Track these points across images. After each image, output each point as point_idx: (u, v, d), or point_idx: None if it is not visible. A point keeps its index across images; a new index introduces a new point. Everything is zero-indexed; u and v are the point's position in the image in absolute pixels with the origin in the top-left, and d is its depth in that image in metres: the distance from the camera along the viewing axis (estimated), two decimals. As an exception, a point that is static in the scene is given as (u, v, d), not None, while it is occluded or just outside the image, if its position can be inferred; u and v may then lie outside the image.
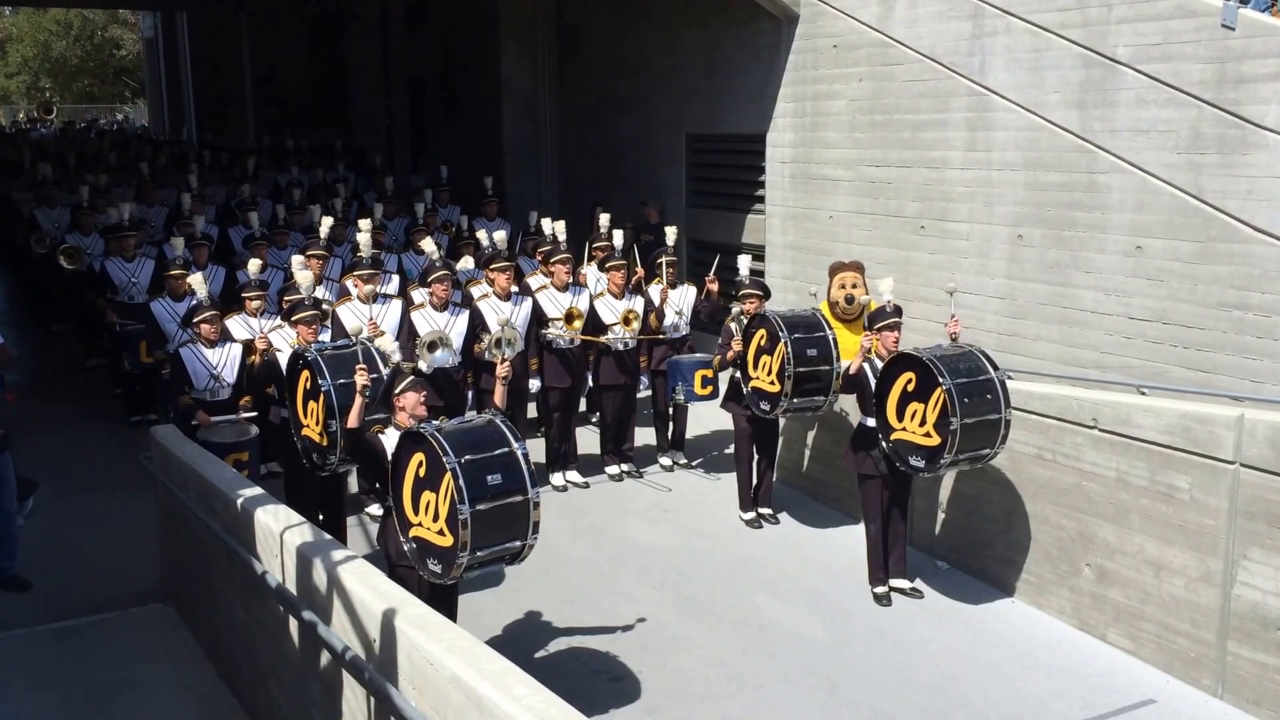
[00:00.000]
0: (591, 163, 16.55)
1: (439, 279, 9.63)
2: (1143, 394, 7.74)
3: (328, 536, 6.34)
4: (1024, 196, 9.57)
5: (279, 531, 6.24)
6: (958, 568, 8.61)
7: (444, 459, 5.73)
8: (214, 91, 27.90)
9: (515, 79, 17.40)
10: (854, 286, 10.54)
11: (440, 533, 5.84)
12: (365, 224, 11.47)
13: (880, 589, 8.15)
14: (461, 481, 5.66)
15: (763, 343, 8.83)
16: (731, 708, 6.78)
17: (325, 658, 5.67)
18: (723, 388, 9.83)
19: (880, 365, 7.97)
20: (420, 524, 5.99)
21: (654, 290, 10.57)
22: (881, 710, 6.76)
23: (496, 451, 5.93)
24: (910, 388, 7.61)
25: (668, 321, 10.55)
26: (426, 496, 5.92)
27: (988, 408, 7.39)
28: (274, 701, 6.53)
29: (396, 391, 6.52)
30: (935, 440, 7.44)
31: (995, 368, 7.56)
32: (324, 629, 5.60)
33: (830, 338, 8.64)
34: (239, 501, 6.75)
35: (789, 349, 8.44)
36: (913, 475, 7.95)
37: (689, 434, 11.09)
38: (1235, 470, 6.77)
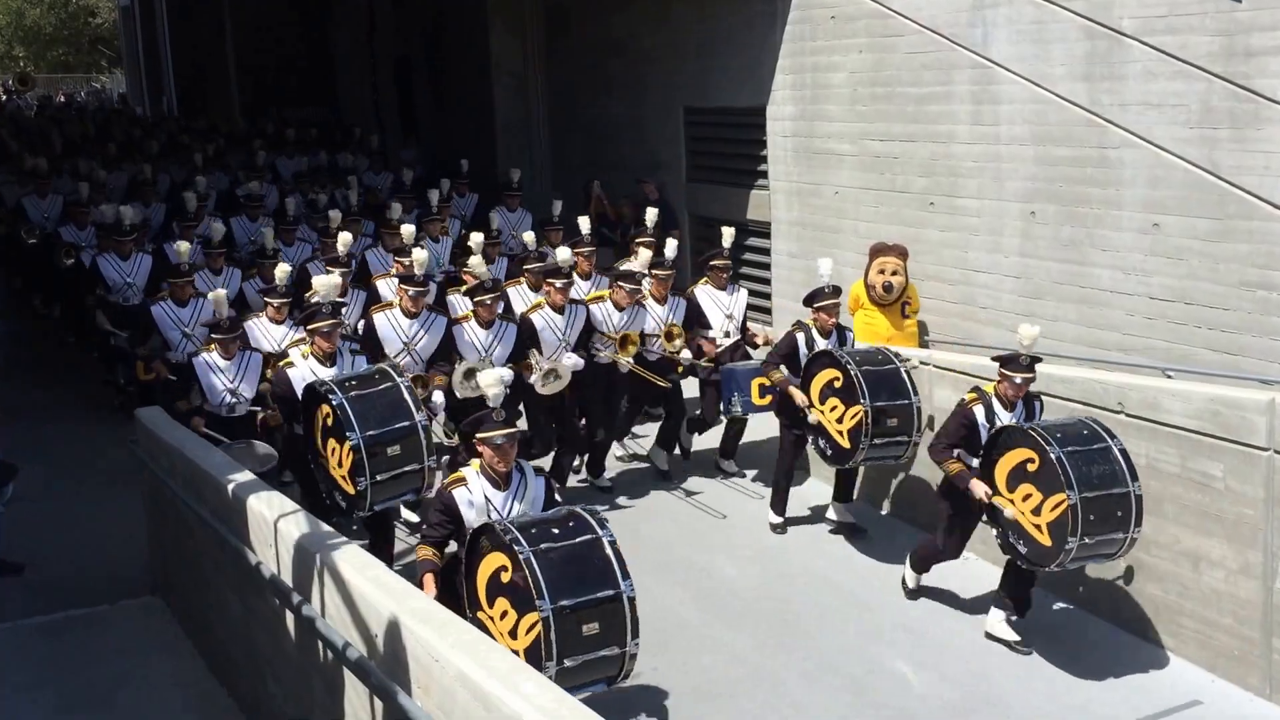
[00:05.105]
0: (585, 140, 16.23)
1: (486, 300, 8.85)
2: (1169, 378, 7.61)
3: (325, 526, 5.98)
4: (1034, 171, 9.38)
5: (273, 519, 5.96)
6: (985, 560, 8.51)
7: (537, 602, 5.25)
8: (194, 65, 27.24)
9: (504, 57, 17.08)
10: (894, 274, 10.09)
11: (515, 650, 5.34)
12: (408, 229, 10.85)
13: (912, 584, 7.99)
14: (553, 634, 5.21)
15: (835, 383, 8.13)
16: (752, 706, 6.73)
17: (325, 653, 5.44)
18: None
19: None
20: (492, 619, 5.56)
21: (701, 292, 9.83)
22: (908, 710, 6.70)
23: (600, 594, 5.43)
24: (1031, 468, 6.89)
25: (714, 329, 9.75)
26: (502, 605, 5.48)
27: (1114, 525, 6.72)
28: (272, 697, 6.33)
29: (479, 436, 6.06)
30: (1047, 541, 6.82)
31: (1134, 479, 6.78)
32: (322, 623, 5.38)
33: (915, 406, 8.02)
34: (230, 488, 6.44)
35: (868, 418, 7.84)
36: None
37: (701, 436, 10.42)
38: (1269, 457, 6.63)
